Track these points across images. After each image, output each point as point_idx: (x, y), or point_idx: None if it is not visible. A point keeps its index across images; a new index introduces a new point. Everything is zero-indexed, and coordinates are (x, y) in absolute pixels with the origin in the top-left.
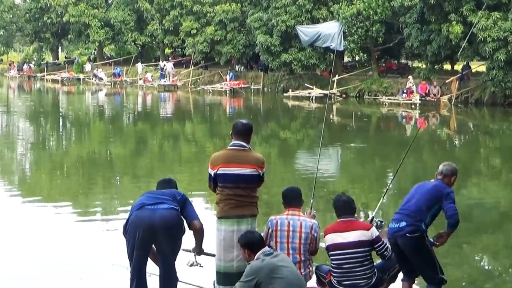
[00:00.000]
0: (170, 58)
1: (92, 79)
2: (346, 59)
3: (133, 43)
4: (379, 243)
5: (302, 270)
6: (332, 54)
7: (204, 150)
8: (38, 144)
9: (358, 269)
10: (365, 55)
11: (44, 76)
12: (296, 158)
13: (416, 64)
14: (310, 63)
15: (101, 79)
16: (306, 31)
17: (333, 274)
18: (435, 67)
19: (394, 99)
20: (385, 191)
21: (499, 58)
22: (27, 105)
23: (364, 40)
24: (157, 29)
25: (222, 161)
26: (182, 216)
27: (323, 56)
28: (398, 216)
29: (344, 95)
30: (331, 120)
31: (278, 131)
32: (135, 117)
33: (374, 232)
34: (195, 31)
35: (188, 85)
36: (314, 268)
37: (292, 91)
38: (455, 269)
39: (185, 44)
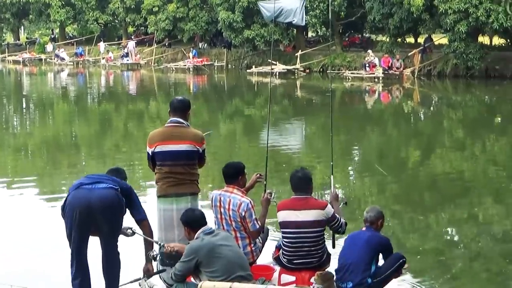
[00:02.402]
0: (133, 37)
1: (54, 59)
2: (310, 34)
3: (95, 22)
4: (334, 221)
5: (242, 249)
6: (295, 30)
7: None
8: (1, 126)
9: (311, 248)
10: (328, 30)
11: (5, 57)
12: (261, 134)
13: (380, 38)
14: (273, 38)
15: (63, 59)
16: (268, 7)
17: (284, 252)
18: (398, 40)
19: (357, 73)
20: (331, 171)
21: (460, 30)
22: None
23: (326, 15)
24: (118, 7)
25: (159, 139)
26: (129, 209)
27: (285, 31)
28: (343, 275)
29: (307, 70)
30: (296, 95)
31: (242, 107)
32: (99, 97)
33: (329, 210)
34: (156, 8)
35: (151, 63)
36: (257, 246)
37: (255, 67)
38: (420, 240)
39: (147, 22)
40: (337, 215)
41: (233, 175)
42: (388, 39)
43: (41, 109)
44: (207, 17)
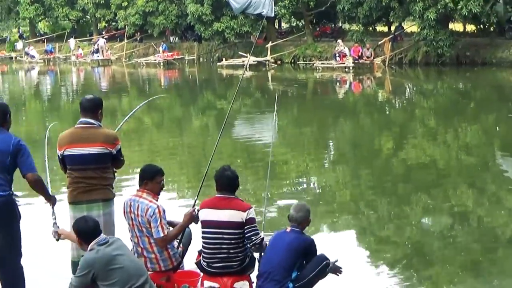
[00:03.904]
0: (104, 32)
1: (24, 57)
2: (283, 25)
3: (67, 19)
4: (249, 225)
5: (159, 255)
6: (265, 21)
7: (142, 123)
8: None
9: (230, 250)
10: (302, 21)
11: None
12: (233, 127)
13: (353, 27)
14: (243, 30)
15: (33, 57)
16: None
17: (203, 254)
18: (368, 29)
19: (328, 64)
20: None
21: (429, 17)
22: None
23: (295, 5)
24: (88, 3)
25: (67, 141)
26: (20, 169)
27: (255, 23)
28: (263, 282)
29: (279, 62)
30: (266, 87)
31: (214, 101)
32: (71, 95)
33: (250, 213)
34: (126, 3)
35: (122, 58)
36: (175, 250)
37: (226, 60)
38: (395, 231)
39: (117, 17)
40: (257, 226)
41: (141, 178)
42: (358, 28)
43: (12, 107)
44: (177, 11)
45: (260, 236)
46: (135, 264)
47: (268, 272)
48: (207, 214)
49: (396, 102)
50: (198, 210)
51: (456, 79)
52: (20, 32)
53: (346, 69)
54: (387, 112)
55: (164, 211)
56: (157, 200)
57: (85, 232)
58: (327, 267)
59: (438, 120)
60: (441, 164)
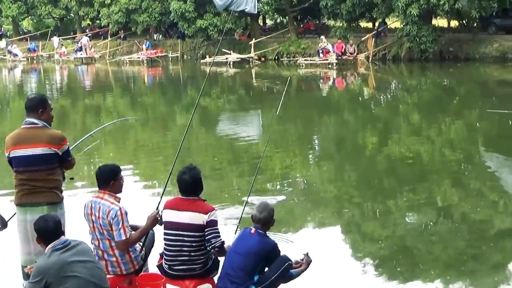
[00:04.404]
0: (87, 30)
1: (7, 55)
2: (268, 21)
3: (50, 17)
4: (209, 228)
5: (120, 258)
6: (248, 18)
7: (126, 121)
8: None
9: (191, 253)
10: (286, 17)
11: None
12: (217, 125)
13: (338, 23)
14: (227, 27)
15: (16, 55)
16: None
17: (165, 257)
18: (352, 25)
19: (311, 60)
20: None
21: (412, 13)
22: None
23: (278, 2)
24: (71, 1)
25: (13, 143)
26: None
27: (239, 20)
28: (224, 284)
29: (263, 59)
30: (248, 84)
31: (197, 98)
32: (53, 93)
33: (211, 216)
34: (109, 1)
35: (106, 56)
36: (137, 253)
37: (209, 57)
38: (379, 227)
39: (100, 15)
40: (218, 229)
41: (105, 179)
42: (341, 25)
43: None
44: (160, 8)
45: (220, 240)
46: (93, 272)
47: (229, 274)
48: (168, 215)
49: (380, 98)
50: (162, 212)
51: (440, 74)
52: (3, 30)
53: (330, 66)
54: (371, 108)
55: (126, 213)
56: (118, 201)
57: (44, 232)
58: (290, 269)
59: (421, 116)
60: (425, 160)
